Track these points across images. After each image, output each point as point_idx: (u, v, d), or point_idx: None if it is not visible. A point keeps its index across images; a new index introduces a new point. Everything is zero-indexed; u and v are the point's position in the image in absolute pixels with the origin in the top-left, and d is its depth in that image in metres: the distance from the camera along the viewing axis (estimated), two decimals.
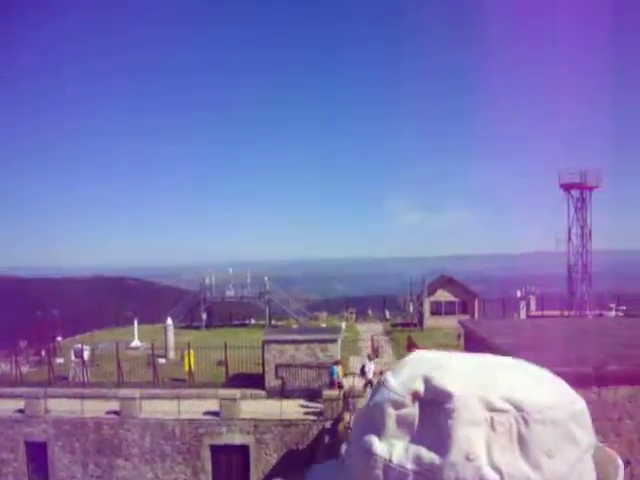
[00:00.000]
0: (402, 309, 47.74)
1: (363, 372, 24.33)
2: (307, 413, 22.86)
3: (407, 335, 33.15)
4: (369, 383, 23.18)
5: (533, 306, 44.73)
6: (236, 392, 23.32)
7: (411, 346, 27.41)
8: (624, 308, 39.27)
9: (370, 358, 25.47)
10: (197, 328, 43.67)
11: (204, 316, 44.82)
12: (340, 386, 23.03)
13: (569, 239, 47.17)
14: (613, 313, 37.07)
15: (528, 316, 40.42)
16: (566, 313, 41.58)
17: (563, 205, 47.46)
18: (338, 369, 24.04)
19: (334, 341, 25.79)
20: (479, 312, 43.34)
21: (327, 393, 22.62)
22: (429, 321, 42.12)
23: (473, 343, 20.39)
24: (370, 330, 39.34)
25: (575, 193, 47.06)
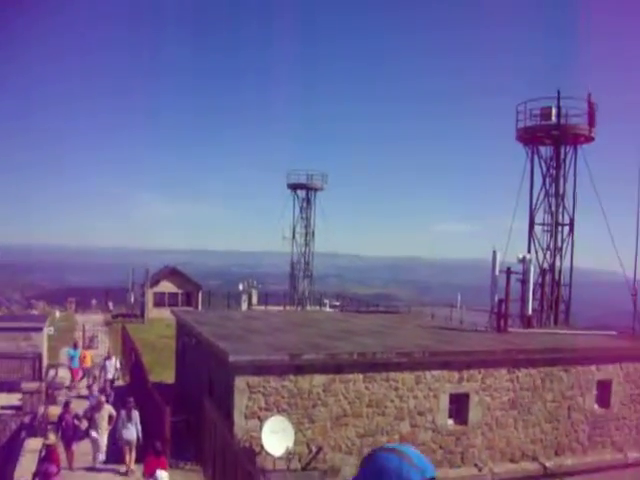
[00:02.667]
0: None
1: (103, 369, 23.76)
2: (3, 407, 21.76)
3: (123, 326, 33.83)
4: (110, 382, 22.30)
5: (255, 299, 48.70)
6: None
7: (126, 338, 28.15)
8: (337, 303, 44.87)
9: (76, 347, 25.01)
10: None
11: None
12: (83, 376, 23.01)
13: (293, 238, 52.81)
14: (328, 308, 41.98)
15: (249, 309, 43.79)
16: (288, 307, 46.14)
17: (290, 204, 53.15)
18: (81, 356, 23.65)
19: (38, 330, 25.49)
20: (203, 304, 45.97)
21: (27, 385, 21.81)
22: (152, 312, 43.36)
23: (183, 332, 21.66)
24: (90, 321, 39.82)
25: (301, 193, 53.14)
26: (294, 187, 52.95)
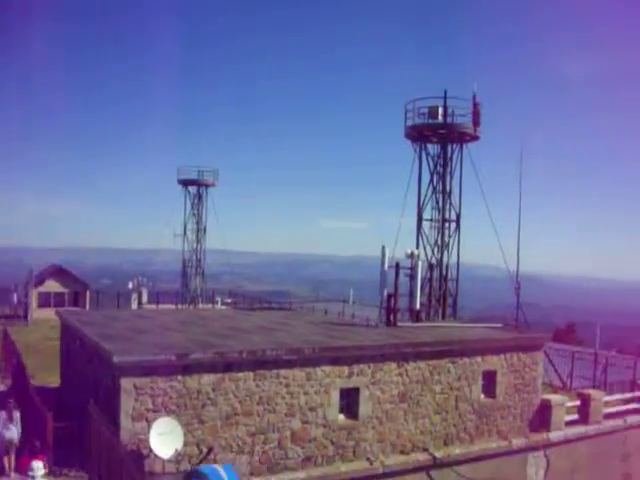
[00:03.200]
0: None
1: None
2: None
3: (3, 328, 32.45)
4: None
5: (145, 298, 48.17)
6: None
7: (7, 341, 27.38)
8: (229, 301, 45.17)
9: None
10: None
11: None
12: None
13: (185, 235, 53.40)
14: (220, 305, 42.20)
15: (139, 308, 43.30)
16: (180, 306, 45.99)
17: (181, 201, 53.61)
18: None
19: None
20: (91, 304, 45.11)
21: None
22: (37, 313, 41.85)
23: (68, 334, 21.07)
24: None
25: (192, 189, 53.70)
26: (185, 183, 53.27)
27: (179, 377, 13.98)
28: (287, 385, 15.69)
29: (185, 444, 13.82)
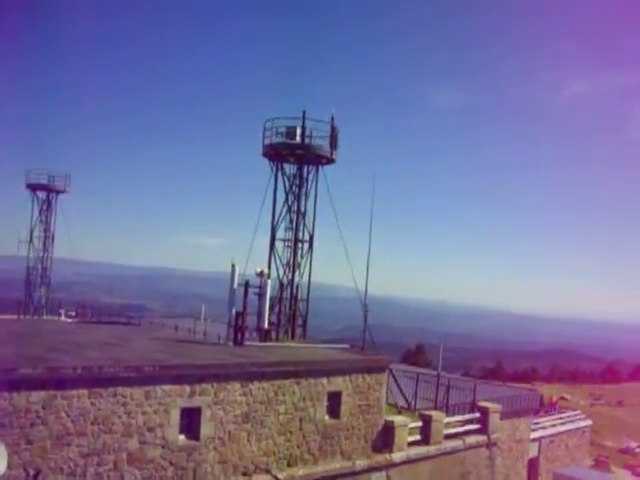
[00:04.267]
0: None
1: None
2: None
3: None
4: None
5: None
6: None
7: None
8: (73, 314, 44.08)
9: None
10: None
11: None
12: None
13: (31, 242, 52.04)
14: (64, 318, 41.06)
15: None
16: (22, 317, 44.37)
17: (28, 206, 52.12)
18: None
19: None
20: None
21: None
22: None
23: None
24: None
25: (41, 195, 52.42)
26: (33, 188, 51.89)
27: (5, 394, 13.69)
28: (125, 404, 15.71)
29: (10, 467, 13.52)
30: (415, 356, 75.43)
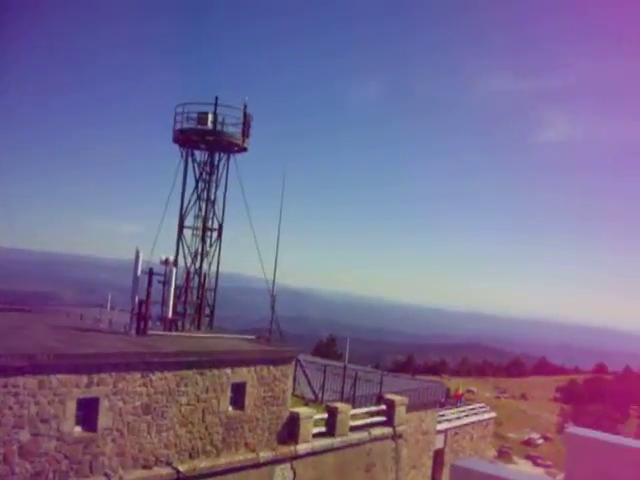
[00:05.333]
0: None
1: None
2: None
3: None
4: None
5: None
6: None
7: None
8: None
9: None
10: None
11: None
12: None
13: None
14: None
15: None
16: None
17: None
18: None
19: None
20: None
21: None
22: None
23: None
24: None
25: None
26: None
27: None
28: (16, 394, 15.25)
29: None
30: (327, 348, 76.17)
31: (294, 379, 28.59)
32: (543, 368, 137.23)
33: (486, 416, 48.08)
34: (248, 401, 21.49)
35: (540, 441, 70.07)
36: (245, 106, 28.89)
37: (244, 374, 21.26)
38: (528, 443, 69.28)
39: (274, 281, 28.63)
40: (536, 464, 61.56)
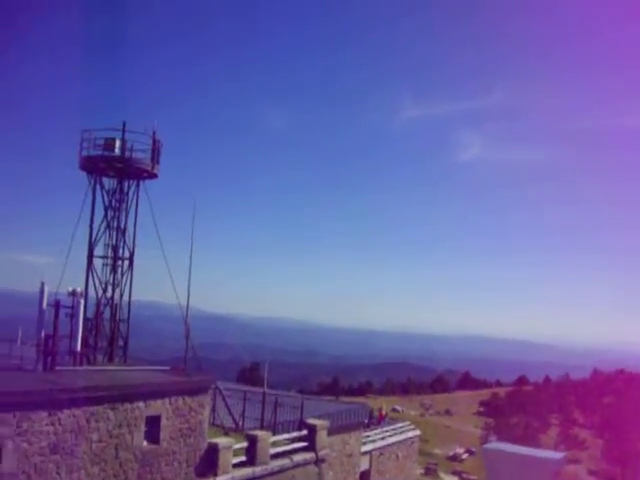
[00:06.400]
0: None
1: None
2: None
3: None
4: None
5: None
6: None
7: None
8: None
9: None
10: None
11: None
12: None
13: None
14: None
15: None
16: None
17: None
18: None
19: None
20: None
21: None
22: None
23: None
24: None
25: None
26: None
27: None
28: None
29: None
30: (251, 374, 75.53)
31: (213, 408, 28.14)
32: (467, 383, 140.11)
33: (411, 434, 48.29)
34: (163, 434, 20.93)
35: (465, 456, 71.22)
36: (154, 132, 28.40)
37: (158, 406, 20.71)
38: (454, 458, 70.31)
39: (187, 308, 28.15)
40: (462, 478, 62.50)
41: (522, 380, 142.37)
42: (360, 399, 76.33)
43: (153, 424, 20.61)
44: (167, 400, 20.99)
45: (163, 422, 20.87)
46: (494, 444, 13.18)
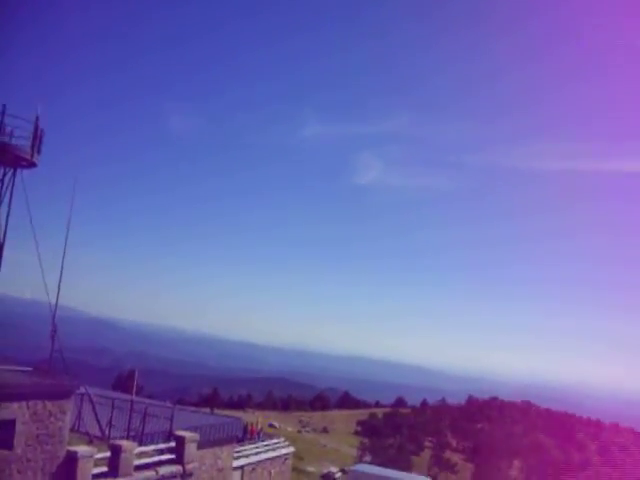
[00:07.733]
0: None
1: None
2: None
3: None
4: None
5: None
6: None
7: None
8: None
9: None
10: None
11: None
12: None
13: None
14: None
15: None
16: None
17: None
18: None
19: None
20: None
21: None
22: None
23: None
24: None
25: None
26: None
27: None
28: None
29: None
30: (127, 381, 73.08)
31: (79, 415, 26.75)
32: (346, 402, 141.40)
33: (284, 451, 47.99)
34: (18, 440, 19.54)
35: (338, 475, 71.36)
36: (37, 118, 26.83)
37: (14, 410, 19.33)
38: (327, 477, 70.29)
39: (56, 307, 26.58)
40: None
41: (400, 402, 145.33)
42: (238, 413, 75.36)
43: (6, 428, 19.22)
44: (24, 403, 19.63)
45: (18, 427, 19.48)
46: (360, 466, 12.97)
